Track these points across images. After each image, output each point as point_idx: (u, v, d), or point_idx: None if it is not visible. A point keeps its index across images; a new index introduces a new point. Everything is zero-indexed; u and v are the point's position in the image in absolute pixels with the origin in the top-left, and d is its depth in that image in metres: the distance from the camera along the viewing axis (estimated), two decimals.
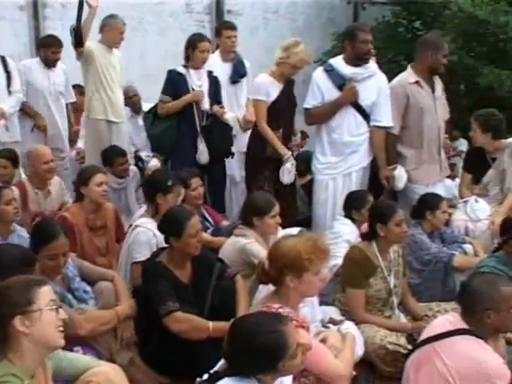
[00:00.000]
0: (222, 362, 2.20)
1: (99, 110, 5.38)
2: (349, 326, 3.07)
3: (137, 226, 3.77)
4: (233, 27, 5.51)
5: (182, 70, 5.04)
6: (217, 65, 5.39)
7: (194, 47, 4.97)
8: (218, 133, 5.03)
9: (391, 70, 5.92)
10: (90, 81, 5.36)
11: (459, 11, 9.24)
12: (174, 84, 5.00)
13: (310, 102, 4.63)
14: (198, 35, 5.18)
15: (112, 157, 5.07)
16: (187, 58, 5.05)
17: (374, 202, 4.02)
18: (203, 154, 4.97)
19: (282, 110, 4.66)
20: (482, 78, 9.00)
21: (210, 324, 3.04)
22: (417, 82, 4.56)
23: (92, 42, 5.29)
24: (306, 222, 4.68)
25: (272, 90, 4.62)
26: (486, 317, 2.61)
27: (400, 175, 4.55)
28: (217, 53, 5.64)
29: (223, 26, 5.64)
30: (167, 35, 8.34)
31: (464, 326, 2.65)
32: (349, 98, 4.50)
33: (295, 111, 4.81)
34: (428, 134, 4.62)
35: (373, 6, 10.68)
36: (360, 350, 3.16)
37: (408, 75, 4.62)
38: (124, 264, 3.79)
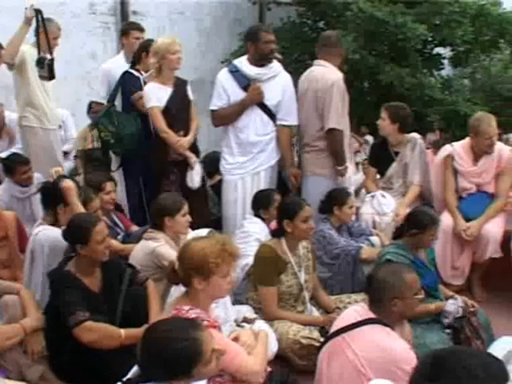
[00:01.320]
0: (135, 370, 2.16)
1: (33, 117, 5.23)
2: (261, 325, 3.10)
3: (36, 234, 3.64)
4: (141, 29, 5.44)
5: (135, 73, 5.00)
6: (122, 66, 5.27)
7: (147, 51, 4.96)
8: None
9: (297, 70, 6.02)
10: (23, 85, 5.16)
11: (360, 12, 9.53)
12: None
13: (216, 103, 4.63)
14: (151, 40, 5.14)
15: (13, 165, 4.85)
16: (138, 61, 5.03)
17: (282, 199, 4.08)
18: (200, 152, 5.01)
19: (177, 113, 4.61)
20: (384, 76, 9.35)
21: (122, 332, 2.97)
22: (342, 78, 4.62)
23: (25, 45, 5.09)
24: (217, 223, 4.68)
25: (162, 95, 4.57)
26: (393, 305, 2.72)
27: (349, 175, 4.66)
28: (121, 54, 5.54)
29: (131, 27, 5.53)
30: (71, 37, 8.12)
31: (372, 315, 2.74)
32: (254, 98, 4.52)
33: (190, 111, 4.76)
34: (347, 130, 4.74)
35: (278, 7, 10.82)
36: (274, 347, 3.21)
37: (336, 70, 4.63)
38: (28, 274, 3.64)
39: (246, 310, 3.56)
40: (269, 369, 2.89)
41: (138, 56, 5.05)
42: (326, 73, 4.54)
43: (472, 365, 1.67)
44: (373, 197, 4.79)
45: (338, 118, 4.47)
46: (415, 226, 3.68)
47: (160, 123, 4.54)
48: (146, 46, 4.97)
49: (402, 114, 4.94)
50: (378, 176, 5.11)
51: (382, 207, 4.68)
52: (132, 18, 8.91)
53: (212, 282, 2.57)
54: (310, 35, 10.59)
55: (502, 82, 10.91)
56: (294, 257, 3.59)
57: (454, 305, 3.58)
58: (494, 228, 4.49)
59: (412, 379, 1.78)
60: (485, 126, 4.53)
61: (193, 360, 2.00)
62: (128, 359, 2.32)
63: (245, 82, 4.55)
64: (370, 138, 9.02)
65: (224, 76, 4.63)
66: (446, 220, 4.56)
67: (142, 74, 5.01)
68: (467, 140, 4.73)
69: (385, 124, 4.91)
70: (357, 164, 7.30)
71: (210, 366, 2.07)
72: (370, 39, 9.69)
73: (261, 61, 4.53)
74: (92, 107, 5.96)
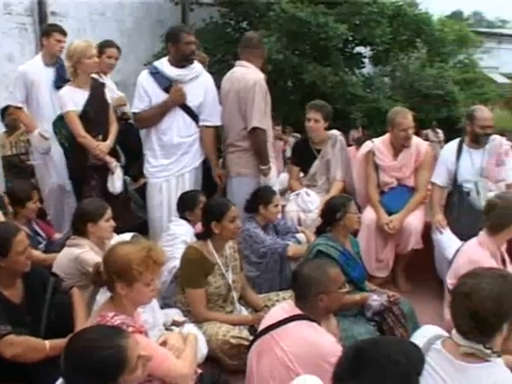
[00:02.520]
0: (60, 381, 2.10)
1: None
2: (190, 328, 3.08)
3: None
4: (63, 32, 5.27)
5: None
6: (40, 69, 5.12)
7: (102, 53, 4.87)
8: (133, 134, 4.98)
9: (221, 70, 6.03)
10: None
11: (282, 12, 9.66)
12: None
13: (138, 105, 4.56)
14: (109, 41, 5.06)
15: None
16: None
17: (207, 201, 4.06)
18: (121, 157, 4.88)
19: (95, 117, 4.51)
20: (307, 75, 9.51)
21: (47, 343, 2.87)
22: (264, 79, 4.61)
23: None
24: (143, 226, 4.62)
25: (78, 98, 4.47)
26: (319, 300, 2.77)
27: (272, 175, 4.64)
28: (39, 56, 5.36)
29: (53, 29, 5.34)
30: None
31: (298, 311, 2.78)
32: (176, 99, 4.48)
33: (109, 115, 4.68)
34: (270, 129, 4.73)
35: (200, 8, 10.82)
36: (204, 350, 3.20)
37: (257, 71, 4.61)
38: None
39: (175, 313, 3.54)
40: (199, 371, 2.87)
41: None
42: (247, 73, 4.55)
43: (392, 351, 1.77)
44: (297, 195, 4.85)
45: (261, 117, 4.48)
46: (333, 213, 3.79)
47: (77, 128, 4.43)
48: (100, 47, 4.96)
49: (329, 112, 5.05)
50: (302, 174, 5.18)
51: (306, 204, 4.75)
52: (51, 19, 8.69)
53: (135, 288, 2.53)
54: (232, 36, 10.66)
55: (420, 80, 11.32)
56: (220, 258, 3.59)
57: (376, 301, 3.67)
58: (415, 220, 4.63)
59: (336, 374, 1.83)
60: (400, 119, 4.68)
61: (118, 368, 1.95)
62: (54, 371, 2.25)
63: (166, 84, 4.50)
64: (296, 136, 9.14)
65: (145, 78, 4.56)
66: (369, 214, 4.68)
67: (100, 76, 4.97)
68: (387, 135, 4.86)
69: (319, 125, 4.98)
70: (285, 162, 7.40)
71: (137, 372, 2.03)
72: (292, 39, 9.84)
73: (182, 62, 4.49)
74: (7, 112, 5.75)
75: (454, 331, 2.13)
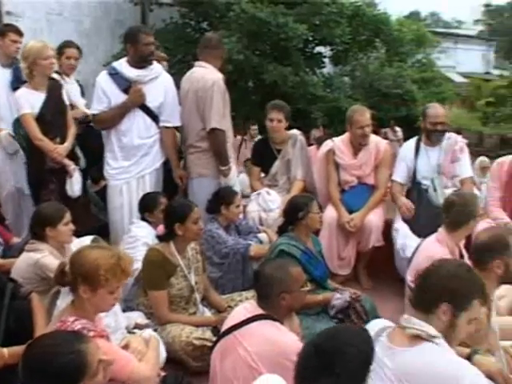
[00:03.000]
0: None
1: None
2: (150, 332, 3.06)
3: None
4: (20, 32, 5.17)
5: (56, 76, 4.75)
6: None
7: (61, 54, 4.80)
8: (94, 137, 4.92)
9: (181, 71, 6.00)
10: None
11: (242, 13, 9.66)
12: None
13: (97, 107, 4.49)
14: (68, 42, 4.96)
15: None
16: None
17: (169, 203, 4.04)
18: (81, 160, 4.82)
19: (52, 119, 4.43)
20: (268, 75, 9.54)
21: (6, 351, 2.81)
22: (223, 79, 4.58)
23: None
24: (104, 229, 4.57)
25: (34, 100, 4.40)
26: (281, 299, 2.78)
27: (235, 174, 4.64)
28: None
29: (8, 29, 5.24)
30: None
31: (260, 311, 2.79)
32: (136, 100, 4.44)
33: (66, 117, 4.62)
34: (230, 130, 4.73)
35: (160, 8, 10.74)
36: (163, 353, 3.18)
37: (216, 71, 4.59)
38: None
39: (137, 316, 3.51)
40: (162, 373, 2.86)
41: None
42: (206, 73, 4.53)
43: (351, 338, 1.90)
44: (258, 194, 4.87)
45: (220, 118, 4.47)
46: (296, 212, 3.83)
47: (33, 130, 4.35)
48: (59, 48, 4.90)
49: (289, 112, 5.07)
50: (263, 174, 5.19)
51: (267, 204, 4.76)
52: (6, 19, 8.52)
53: (99, 294, 2.49)
54: (193, 36, 10.62)
55: (379, 79, 11.48)
56: (183, 259, 3.58)
57: (340, 299, 3.72)
58: (375, 218, 4.70)
59: (300, 374, 1.86)
60: (357, 116, 4.75)
61: (79, 373, 1.92)
62: (13, 379, 2.20)
63: (125, 85, 4.44)
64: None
65: (103, 79, 4.50)
66: (330, 213, 4.73)
67: (63, 78, 4.91)
68: (347, 134, 4.92)
69: (282, 125, 4.99)
70: None
71: (98, 377, 2.01)
72: (253, 39, 9.86)
73: (141, 63, 4.45)
74: None
75: (402, 317, 2.21)
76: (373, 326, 2.32)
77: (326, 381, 1.79)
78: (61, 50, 5.09)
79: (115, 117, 4.45)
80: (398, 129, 10.54)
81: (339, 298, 3.72)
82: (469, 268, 2.26)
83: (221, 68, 4.69)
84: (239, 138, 8.89)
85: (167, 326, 3.45)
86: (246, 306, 2.94)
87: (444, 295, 2.13)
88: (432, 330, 2.11)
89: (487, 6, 40.10)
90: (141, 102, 4.45)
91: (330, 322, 3.70)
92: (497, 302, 3.83)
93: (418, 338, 2.11)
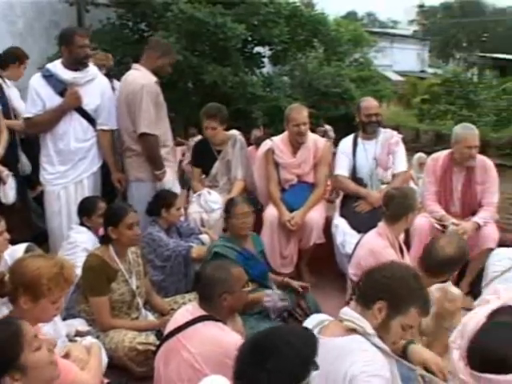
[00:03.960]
0: None
1: None
2: (91, 339, 3.01)
3: None
4: None
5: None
6: None
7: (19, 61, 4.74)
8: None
9: (120, 72, 5.91)
10: None
11: (180, 13, 9.61)
12: None
13: (31, 110, 4.36)
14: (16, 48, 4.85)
15: None
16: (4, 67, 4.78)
17: (107, 206, 3.98)
18: (26, 165, 4.74)
19: None
20: (208, 76, 9.53)
21: None
22: (156, 82, 4.49)
23: None
24: (43, 236, 4.46)
25: None
26: (223, 300, 2.79)
27: (171, 178, 4.55)
28: None
29: None
30: None
31: (203, 312, 2.79)
32: (72, 103, 4.34)
33: None
34: (168, 133, 4.67)
35: (97, 8, 10.54)
36: (105, 358, 3.13)
37: (149, 74, 4.48)
38: None
39: (79, 324, 3.45)
40: (105, 380, 2.82)
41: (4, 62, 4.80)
42: (138, 77, 4.45)
43: (291, 339, 1.85)
44: (199, 195, 4.86)
45: (150, 122, 4.36)
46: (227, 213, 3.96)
47: None
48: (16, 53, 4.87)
49: (225, 114, 5.03)
50: (204, 175, 5.17)
51: (208, 205, 4.75)
52: None
53: (40, 304, 2.43)
54: (130, 37, 10.50)
55: (318, 78, 11.63)
56: (123, 263, 3.53)
57: (270, 302, 3.74)
58: (316, 216, 4.76)
59: (236, 370, 1.85)
60: (294, 114, 4.80)
61: (17, 344, 1.91)
62: None
63: (61, 87, 4.33)
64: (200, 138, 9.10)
65: (37, 81, 4.37)
66: (271, 212, 4.76)
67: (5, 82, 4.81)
68: (285, 133, 4.97)
69: (217, 131, 4.96)
70: None
71: (41, 352, 2.00)
72: (191, 40, 9.83)
73: (76, 65, 4.35)
74: None
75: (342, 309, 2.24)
76: (311, 321, 2.36)
77: (256, 376, 1.78)
78: None
79: (51, 120, 4.34)
80: (328, 127, 10.64)
81: (268, 300, 3.74)
82: (416, 276, 2.24)
83: (161, 70, 4.59)
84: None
85: (110, 332, 3.40)
86: (188, 308, 2.93)
87: (383, 293, 2.14)
88: (368, 327, 2.12)
89: (421, 6, 41.28)
90: (77, 104, 4.36)
91: (274, 321, 3.74)
92: None
93: (353, 330, 2.13)
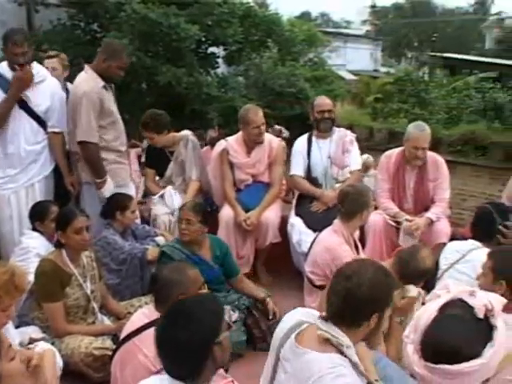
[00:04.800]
0: None
1: None
2: (44, 345, 2.95)
3: None
4: None
5: None
6: None
7: None
8: None
9: (72, 74, 5.81)
10: None
11: (134, 13, 9.50)
12: None
13: None
14: None
15: None
16: None
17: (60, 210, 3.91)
18: None
19: None
20: (162, 77, 9.45)
21: None
22: (104, 86, 4.36)
23: None
24: None
25: None
26: None
27: (110, 187, 4.41)
28: None
29: None
30: None
31: (159, 315, 2.75)
32: (22, 83, 4.18)
33: None
34: (122, 135, 4.57)
35: (47, 9, 10.31)
36: (61, 363, 3.08)
37: (95, 79, 4.34)
38: None
39: (32, 331, 3.37)
40: None
41: None
42: (83, 81, 4.33)
43: (196, 301, 2.19)
44: (162, 196, 4.82)
45: (89, 130, 4.22)
46: None
47: None
48: None
49: (160, 121, 4.96)
50: (158, 177, 5.14)
51: (174, 204, 4.73)
52: None
53: None
54: (82, 38, 10.31)
55: (273, 78, 11.65)
56: (77, 268, 3.47)
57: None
58: (271, 215, 4.78)
59: (157, 337, 2.08)
60: (252, 116, 4.80)
61: None
62: None
63: (8, 87, 4.21)
64: None
65: None
66: (226, 212, 4.76)
67: None
68: (240, 133, 4.97)
69: (158, 139, 4.95)
70: None
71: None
72: (145, 40, 9.72)
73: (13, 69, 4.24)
74: None
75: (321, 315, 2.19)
76: (291, 318, 2.32)
77: (175, 336, 2.01)
78: None
79: (2, 114, 4.20)
80: (277, 127, 10.64)
81: None
82: (386, 272, 2.21)
83: (110, 74, 4.47)
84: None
85: (65, 339, 3.35)
86: (144, 311, 2.90)
87: (372, 308, 2.09)
88: (345, 340, 2.07)
89: (373, 7, 41.94)
90: (28, 85, 4.22)
91: (241, 327, 3.77)
92: None
93: (327, 342, 2.07)
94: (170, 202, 4.80)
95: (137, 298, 3.87)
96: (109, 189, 4.38)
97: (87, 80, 4.33)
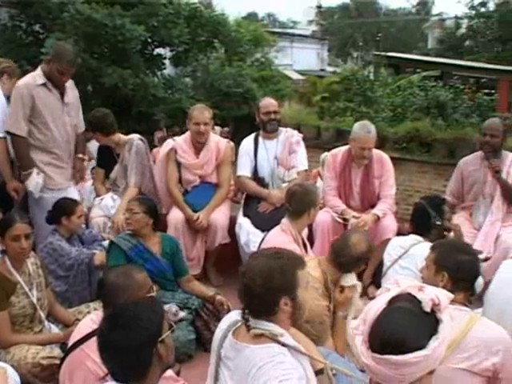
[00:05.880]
0: None
1: None
2: None
3: None
4: None
5: None
6: None
7: None
8: None
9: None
10: None
11: (77, 14, 9.35)
12: None
13: None
14: None
15: None
16: None
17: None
18: None
19: None
20: (107, 78, 9.33)
21: None
22: (44, 84, 4.35)
23: None
24: None
25: None
26: None
27: (34, 180, 4.37)
28: None
29: None
30: None
31: None
32: None
33: None
34: (58, 138, 4.50)
35: None
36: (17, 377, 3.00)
37: (37, 76, 4.37)
38: None
39: None
40: None
41: None
42: (26, 77, 4.39)
43: (136, 304, 2.18)
44: (102, 200, 4.75)
45: (15, 122, 4.29)
46: None
47: None
48: None
49: (101, 121, 4.91)
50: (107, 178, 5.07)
51: (109, 210, 4.66)
52: None
53: None
54: (24, 39, 10.10)
55: (220, 79, 11.65)
56: (22, 275, 3.38)
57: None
58: (220, 216, 4.79)
59: (100, 342, 2.06)
60: (196, 113, 4.82)
61: None
62: None
63: None
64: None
65: None
66: (175, 214, 4.74)
67: None
68: (188, 133, 4.94)
69: (100, 139, 4.92)
70: None
71: None
72: (90, 42, 9.60)
73: None
74: None
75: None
76: (228, 319, 2.36)
77: (116, 338, 1.99)
78: None
79: None
80: (217, 128, 10.63)
81: None
82: (280, 256, 2.26)
83: (52, 76, 4.41)
84: None
85: (11, 349, 3.25)
86: (91, 317, 2.85)
87: (275, 295, 2.16)
88: (276, 329, 2.15)
89: (319, 7, 42.36)
90: None
91: (179, 323, 3.73)
92: None
93: (262, 336, 2.14)
94: (105, 208, 4.72)
95: (85, 305, 3.80)
96: (33, 184, 4.34)
97: (28, 76, 4.37)
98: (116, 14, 9.61)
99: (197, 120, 4.77)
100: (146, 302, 2.23)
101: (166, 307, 3.67)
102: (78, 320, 3.53)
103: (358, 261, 3.29)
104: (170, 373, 2.31)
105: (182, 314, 3.74)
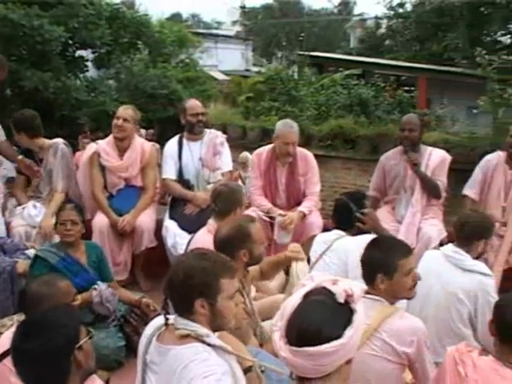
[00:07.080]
0: None
1: None
2: None
3: None
4: None
5: None
6: None
7: None
8: None
9: None
10: None
11: None
12: None
13: None
14: None
15: None
16: None
17: None
18: None
19: None
20: (27, 82, 9.06)
21: None
22: None
23: None
24: None
25: None
26: None
27: None
28: None
29: None
30: None
31: None
32: None
33: None
34: None
35: None
36: None
37: None
38: None
39: None
40: None
41: None
42: None
43: (49, 312, 2.16)
44: (23, 208, 4.60)
45: None
46: None
47: None
48: None
49: (24, 123, 4.72)
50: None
51: (33, 219, 4.52)
52: None
53: None
54: None
55: (144, 81, 11.52)
56: None
57: (97, 296, 3.66)
58: (146, 219, 4.74)
59: (13, 356, 2.05)
60: (120, 109, 4.81)
61: None
62: None
63: None
64: None
65: None
66: (99, 219, 4.66)
67: None
68: (111, 136, 4.87)
69: (16, 137, 4.74)
70: None
71: None
72: (7, 43, 9.26)
73: None
74: None
75: (172, 318, 2.25)
76: (152, 325, 2.34)
77: (30, 349, 1.97)
78: None
79: None
80: (142, 130, 10.54)
81: (97, 294, 3.66)
82: (206, 258, 2.26)
83: None
84: None
85: None
86: (13, 330, 2.76)
87: (193, 294, 2.15)
88: (202, 330, 2.15)
89: (243, 8, 42.54)
90: None
91: (107, 327, 3.71)
92: (268, 284, 4.15)
93: (188, 336, 2.14)
94: (28, 217, 4.56)
95: (8, 317, 3.62)
96: None
97: None
98: (34, 14, 9.35)
99: (117, 114, 4.76)
100: (60, 308, 2.19)
101: (103, 287, 3.65)
102: (1, 334, 3.43)
103: (225, 248, 2.99)
104: (98, 382, 2.27)
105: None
